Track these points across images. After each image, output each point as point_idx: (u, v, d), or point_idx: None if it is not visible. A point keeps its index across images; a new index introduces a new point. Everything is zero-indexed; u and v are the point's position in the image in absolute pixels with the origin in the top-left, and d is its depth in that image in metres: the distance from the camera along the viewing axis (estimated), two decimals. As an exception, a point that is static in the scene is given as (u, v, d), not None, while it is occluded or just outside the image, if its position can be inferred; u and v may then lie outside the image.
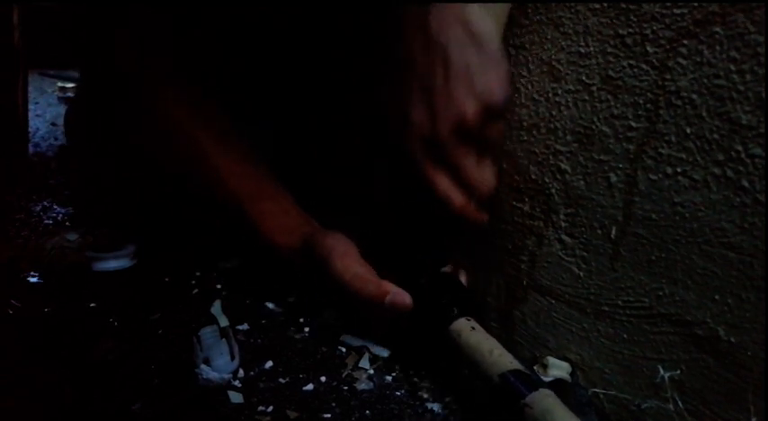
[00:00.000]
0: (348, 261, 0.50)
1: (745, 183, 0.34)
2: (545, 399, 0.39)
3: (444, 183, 0.49)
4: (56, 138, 1.34)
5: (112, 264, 0.66)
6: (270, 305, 0.61)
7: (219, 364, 0.47)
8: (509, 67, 0.47)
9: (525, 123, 0.50)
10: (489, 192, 0.50)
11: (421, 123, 0.47)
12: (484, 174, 0.49)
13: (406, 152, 0.49)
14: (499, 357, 0.43)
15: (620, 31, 0.41)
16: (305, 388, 0.47)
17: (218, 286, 0.64)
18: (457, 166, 0.48)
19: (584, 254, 0.45)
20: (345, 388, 0.48)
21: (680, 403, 0.39)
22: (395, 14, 0.48)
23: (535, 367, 0.49)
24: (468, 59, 0.45)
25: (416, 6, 0.46)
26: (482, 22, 0.46)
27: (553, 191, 0.48)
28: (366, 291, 0.48)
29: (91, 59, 0.72)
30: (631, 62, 0.40)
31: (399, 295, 0.47)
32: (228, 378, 0.46)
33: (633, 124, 0.41)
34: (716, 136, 0.36)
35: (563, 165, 0.47)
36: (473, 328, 0.47)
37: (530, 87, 0.49)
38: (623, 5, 0.41)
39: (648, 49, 0.39)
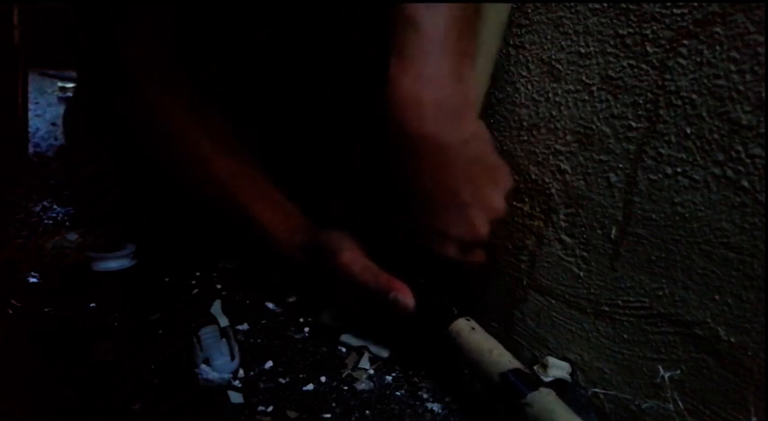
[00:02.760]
0: (356, 255, 0.50)
1: (745, 183, 0.34)
2: (545, 398, 0.39)
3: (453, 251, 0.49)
4: (56, 138, 1.34)
5: (112, 264, 0.66)
6: (270, 305, 0.61)
7: (219, 364, 0.47)
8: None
9: (525, 123, 0.50)
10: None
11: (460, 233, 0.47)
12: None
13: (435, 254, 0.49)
14: (499, 357, 0.43)
15: (620, 31, 0.41)
16: (305, 388, 0.47)
17: (218, 286, 0.64)
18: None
19: (584, 254, 0.45)
20: (345, 388, 0.48)
21: (680, 403, 0.39)
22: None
23: (535, 367, 0.49)
24: (483, 168, 0.46)
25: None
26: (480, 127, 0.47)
27: (553, 191, 0.48)
28: (374, 283, 0.48)
29: (90, 58, 0.72)
30: (631, 62, 0.40)
31: (403, 293, 0.47)
32: (228, 378, 0.46)
33: (633, 124, 0.41)
34: (716, 136, 0.36)
35: (563, 165, 0.47)
36: (473, 328, 0.47)
37: (530, 87, 0.49)
38: (623, 5, 0.41)
39: (648, 49, 0.39)
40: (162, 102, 0.58)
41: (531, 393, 0.39)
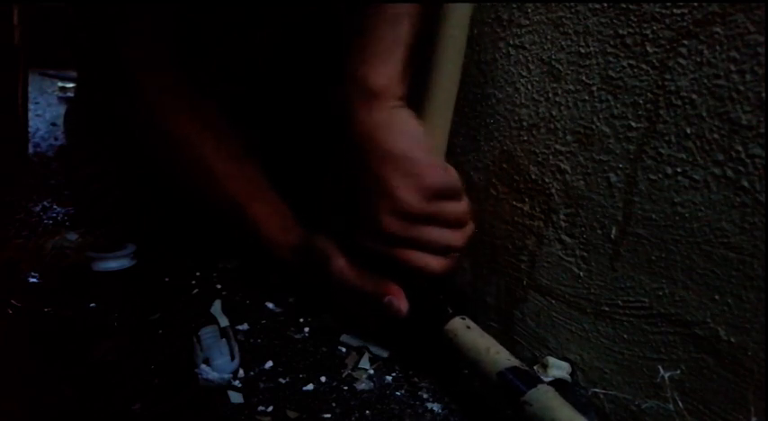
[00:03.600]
0: (347, 259, 0.51)
1: (745, 183, 0.34)
2: (544, 395, 0.39)
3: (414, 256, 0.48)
4: (56, 138, 1.34)
5: (112, 264, 0.66)
6: (270, 305, 0.61)
7: (219, 364, 0.47)
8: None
9: (525, 123, 0.50)
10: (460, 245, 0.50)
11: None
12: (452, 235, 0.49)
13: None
14: (496, 355, 0.43)
15: (620, 31, 0.41)
16: (305, 388, 0.47)
17: (218, 286, 0.64)
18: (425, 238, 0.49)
19: (584, 254, 0.45)
20: (345, 388, 0.48)
21: (680, 403, 0.39)
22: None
23: (535, 367, 0.49)
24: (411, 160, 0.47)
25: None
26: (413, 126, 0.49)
27: (553, 191, 0.48)
28: (367, 287, 0.49)
29: (90, 58, 0.72)
30: (631, 62, 0.40)
31: (397, 297, 0.48)
32: (228, 378, 0.46)
33: (633, 124, 0.41)
34: (716, 136, 0.36)
35: (563, 165, 0.47)
36: (468, 327, 0.47)
37: (530, 87, 0.49)
38: (623, 5, 0.41)
39: (648, 49, 0.39)
40: (162, 102, 0.58)
41: (530, 391, 0.39)
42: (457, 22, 0.50)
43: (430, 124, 0.50)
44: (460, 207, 0.48)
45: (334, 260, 0.51)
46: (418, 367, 0.51)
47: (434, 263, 0.48)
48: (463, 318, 0.48)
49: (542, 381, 0.41)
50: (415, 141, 0.48)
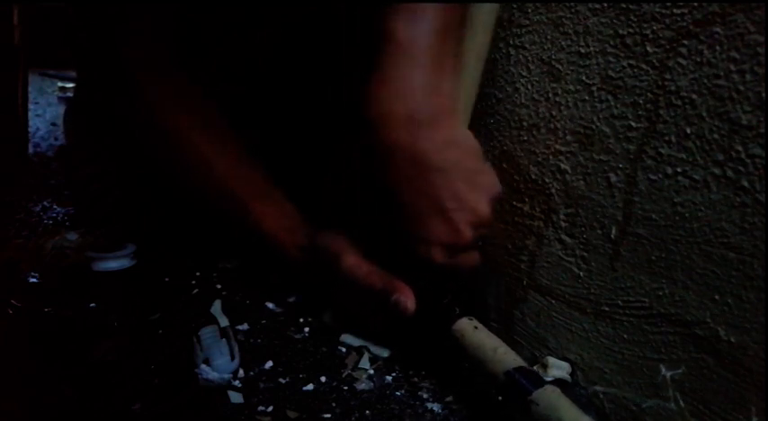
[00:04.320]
0: (359, 257, 0.51)
1: (745, 183, 0.34)
2: (551, 395, 0.39)
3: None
4: (56, 138, 1.34)
5: (112, 264, 0.66)
6: (270, 305, 0.61)
7: (219, 364, 0.47)
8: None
9: (525, 123, 0.50)
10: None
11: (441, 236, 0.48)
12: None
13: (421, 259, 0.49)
14: (504, 355, 0.43)
15: (620, 31, 0.41)
16: (305, 388, 0.47)
17: (218, 286, 0.64)
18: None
19: (585, 254, 0.45)
20: (345, 388, 0.48)
21: (680, 403, 0.39)
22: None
23: (535, 367, 0.49)
24: (465, 173, 0.47)
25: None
26: (466, 137, 0.48)
27: (553, 191, 0.48)
28: (377, 285, 0.49)
29: (90, 58, 0.72)
30: (631, 62, 0.40)
31: (405, 295, 0.48)
32: (228, 378, 0.46)
33: (633, 124, 0.41)
34: (716, 136, 0.36)
35: (563, 165, 0.47)
36: (476, 328, 0.47)
37: (530, 87, 0.49)
38: (623, 5, 0.41)
39: (648, 49, 0.39)
40: (162, 102, 0.58)
41: (537, 391, 0.40)
42: (479, 31, 0.50)
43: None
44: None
45: (344, 257, 0.51)
46: (418, 367, 0.51)
47: (471, 259, 0.50)
48: (470, 319, 0.48)
49: (549, 382, 0.41)
50: (475, 150, 0.48)
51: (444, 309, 0.49)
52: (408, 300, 0.48)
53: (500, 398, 0.43)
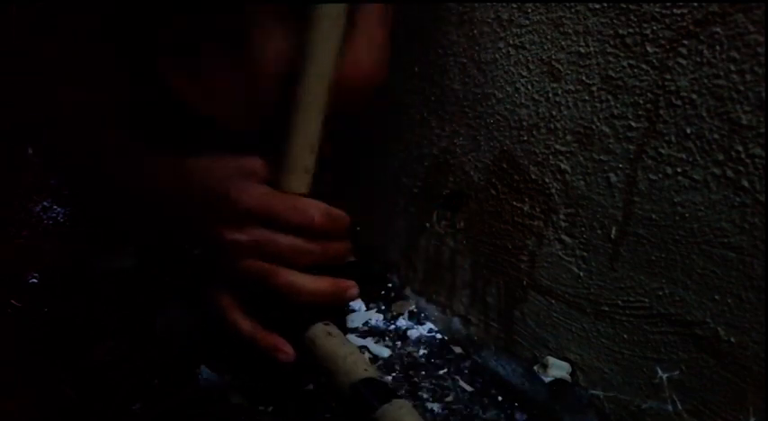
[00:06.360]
0: (240, 312, 0.43)
1: (745, 183, 0.34)
2: (397, 412, 0.35)
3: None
4: (56, 138, 1.33)
5: (112, 264, 0.66)
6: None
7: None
8: None
9: (525, 123, 0.50)
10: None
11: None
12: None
13: None
14: (353, 365, 0.38)
15: (620, 31, 0.41)
16: (305, 388, 0.47)
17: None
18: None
19: (584, 254, 0.45)
20: (345, 388, 0.48)
21: (679, 403, 0.39)
22: None
23: (535, 367, 0.49)
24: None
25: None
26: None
27: (553, 191, 0.48)
28: (259, 343, 0.42)
29: None
30: (631, 62, 0.40)
31: (283, 352, 0.41)
32: (228, 378, 0.46)
33: (633, 124, 0.41)
34: (716, 136, 0.36)
35: (563, 165, 0.47)
36: (329, 334, 0.41)
37: (530, 87, 0.49)
38: (623, 5, 0.41)
39: (648, 49, 0.39)
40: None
41: (383, 407, 0.35)
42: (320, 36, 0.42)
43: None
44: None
45: (226, 315, 0.43)
46: (418, 367, 0.51)
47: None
48: (326, 324, 0.42)
49: (398, 396, 0.37)
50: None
51: (297, 313, 0.43)
52: (287, 354, 0.41)
53: (346, 414, 0.38)
